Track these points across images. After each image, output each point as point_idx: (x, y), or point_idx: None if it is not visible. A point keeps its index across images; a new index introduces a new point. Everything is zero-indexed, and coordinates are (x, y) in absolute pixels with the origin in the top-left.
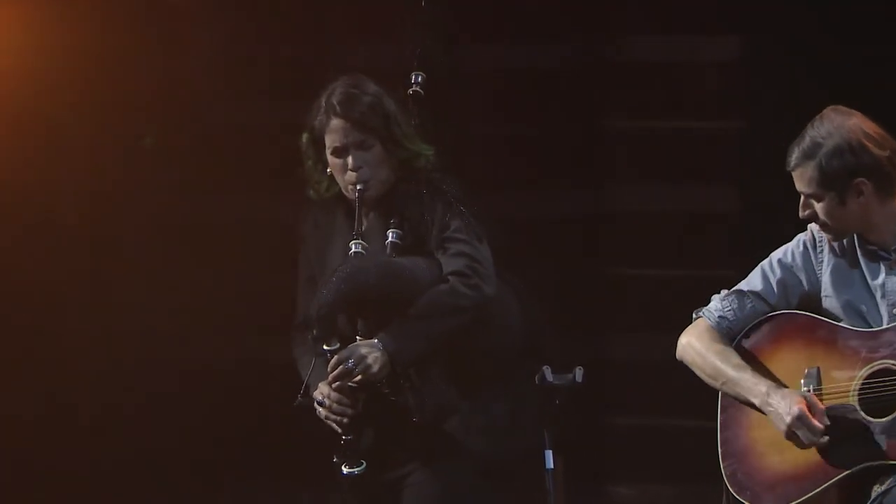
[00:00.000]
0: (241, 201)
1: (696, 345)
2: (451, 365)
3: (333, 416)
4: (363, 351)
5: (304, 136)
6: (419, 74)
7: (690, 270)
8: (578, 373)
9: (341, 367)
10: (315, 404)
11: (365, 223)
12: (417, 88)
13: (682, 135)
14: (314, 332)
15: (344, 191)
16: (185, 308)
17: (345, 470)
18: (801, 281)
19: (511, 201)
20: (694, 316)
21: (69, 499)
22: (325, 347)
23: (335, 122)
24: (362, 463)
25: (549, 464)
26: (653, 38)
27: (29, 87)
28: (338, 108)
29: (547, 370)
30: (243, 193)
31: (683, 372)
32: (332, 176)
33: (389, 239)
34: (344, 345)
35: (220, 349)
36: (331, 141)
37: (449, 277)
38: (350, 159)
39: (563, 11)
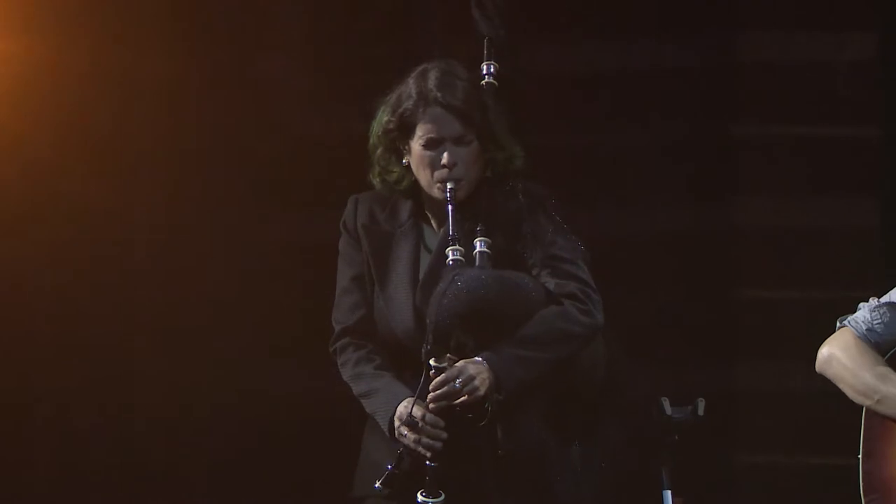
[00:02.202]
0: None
1: (841, 357)
2: (546, 397)
3: (427, 441)
4: (472, 371)
5: (384, 120)
6: (491, 64)
7: (826, 292)
8: (700, 405)
9: (447, 386)
10: (399, 426)
11: (443, 228)
12: (491, 80)
13: (813, 142)
14: (428, 345)
15: (427, 187)
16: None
17: (420, 498)
18: None
19: (625, 215)
20: (838, 324)
21: None
22: (432, 364)
23: (434, 111)
24: (441, 494)
25: None
26: (780, 34)
27: (90, 88)
28: (438, 94)
29: (665, 402)
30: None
31: (819, 404)
32: (407, 167)
33: (478, 248)
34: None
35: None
36: (425, 131)
37: (563, 300)
38: (446, 154)
39: (683, 6)
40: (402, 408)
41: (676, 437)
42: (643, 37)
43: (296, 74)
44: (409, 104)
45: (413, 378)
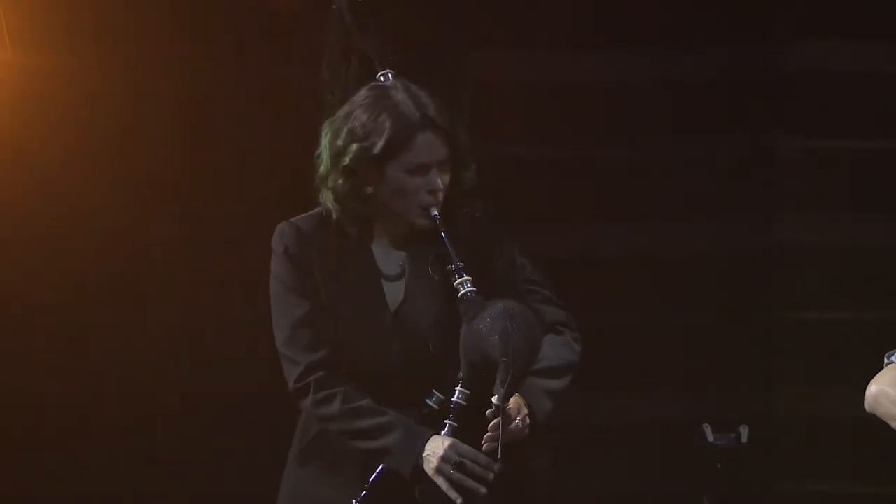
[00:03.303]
0: None
1: (892, 395)
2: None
3: (472, 483)
4: (525, 408)
5: (353, 147)
6: (388, 73)
7: (872, 313)
8: (743, 432)
9: (513, 425)
10: (441, 466)
11: (404, 254)
12: None
13: (859, 156)
14: (503, 387)
15: (404, 214)
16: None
17: None
18: None
19: (656, 233)
20: (886, 360)
21: None
22: (495, 402)
23: (425, 136)
24: None
25: None
26: (827, 44)
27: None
28: (425, 118)
29: (707, 429)
30: None
31: (865, 431)
32: (372, 195)
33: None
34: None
35: None
36: (414, 157)
37: (561, 329)
38: (437, 181)
39: (722, 12)
40: (443, 447)
41: (719, 466)
42: (685, 47)
43: (307, 86)
44: (394, 129)
45: (405, 411)
